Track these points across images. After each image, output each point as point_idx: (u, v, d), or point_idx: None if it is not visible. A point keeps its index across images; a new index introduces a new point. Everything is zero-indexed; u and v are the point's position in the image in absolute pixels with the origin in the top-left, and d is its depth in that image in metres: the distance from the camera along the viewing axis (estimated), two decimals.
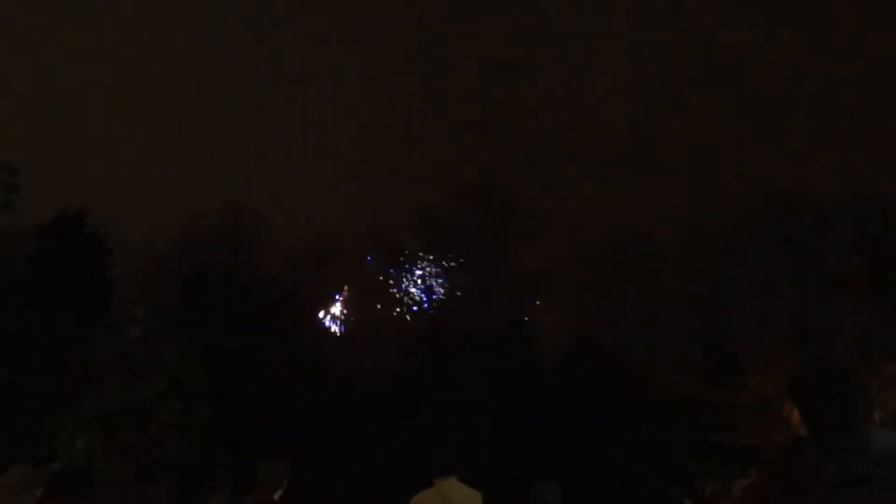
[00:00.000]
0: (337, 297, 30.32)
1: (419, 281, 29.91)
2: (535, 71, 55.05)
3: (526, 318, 28.00)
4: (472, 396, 22.76)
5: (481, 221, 29.15)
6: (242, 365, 19.76)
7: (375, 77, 56.23)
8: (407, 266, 30.04)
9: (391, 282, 30.68)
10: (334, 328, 29.77)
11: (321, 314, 29.53)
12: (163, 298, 21.40)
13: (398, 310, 30.09)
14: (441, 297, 29.62)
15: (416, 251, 29.88)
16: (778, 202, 25.66)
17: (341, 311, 30.43)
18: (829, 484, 1.62)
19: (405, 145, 51.49)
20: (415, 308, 30.14)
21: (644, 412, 21.31)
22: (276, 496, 4.10)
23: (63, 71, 52.33)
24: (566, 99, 49.90)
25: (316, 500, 14.20)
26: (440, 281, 29.65)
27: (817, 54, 52.30)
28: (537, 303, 29.23)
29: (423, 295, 29.77)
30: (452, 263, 29.05)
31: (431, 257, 29.65)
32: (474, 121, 49.85)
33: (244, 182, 44.55)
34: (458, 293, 29.04)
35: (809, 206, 25.43)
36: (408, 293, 30.03)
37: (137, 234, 22.50)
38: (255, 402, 19.53)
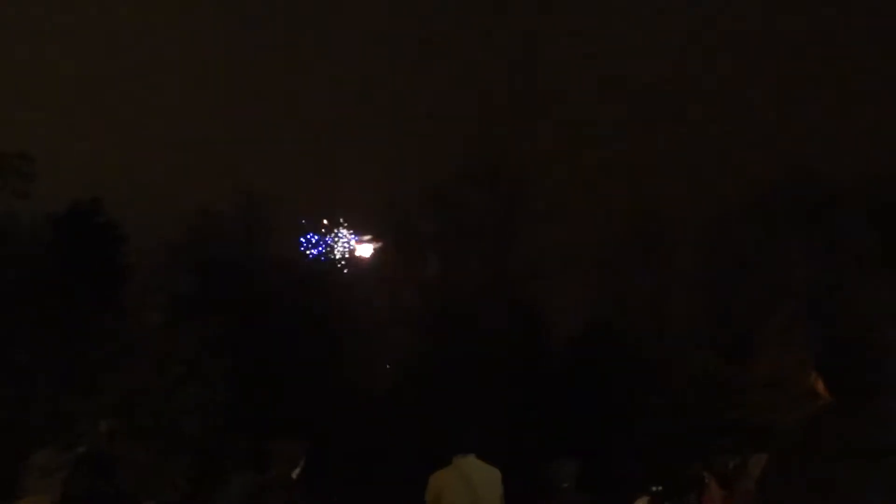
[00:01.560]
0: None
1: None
2: (550, 45, 54.45)
3: (538, 298, 27.97)
4: (487, 376, 22.88)
5: (492, 202, 29.05)
6: (258, 348, 19.93)
7: (387, 56, 55.90)
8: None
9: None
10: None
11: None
12: (178, 285, 21.55)
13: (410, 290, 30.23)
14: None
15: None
16: (791, 179, 25.40)
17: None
18: (854, 454, 1.61)
19: (417, 125, 51.32)
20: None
21: (657, 391, 21.34)
22: (294, 475, 4.15)
23: (75, 59, 52.45)
24: (579, 74, 49.44)
25: (334, 480, 14.38)
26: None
27: (833, 31, 51.40)
28: (549, 282, 29.17)
29: None
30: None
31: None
32: (486, 101, 49.53)
33: (255, 166, 44.62)
34: (470, 272, 29.04)
35: (824, 183, 25.15)
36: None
37: (150, 221, 22.62)
38: (272, 384, 19.73)
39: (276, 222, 28.49)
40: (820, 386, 1.79)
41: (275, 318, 22.06)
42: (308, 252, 30.75)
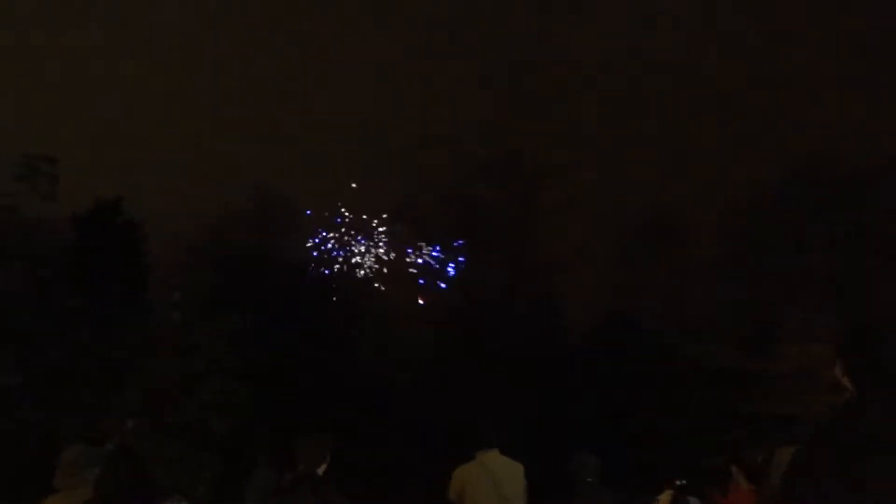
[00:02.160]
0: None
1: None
2: (563, 38, 54.05)
3: (557, 292, 27.89)
4: (508, 371, 22.88)
5: (508, 195, 29.01)
6: (279, 344, 20.10)
7: (399, 48, 55.83)
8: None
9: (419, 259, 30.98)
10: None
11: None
12: (197, 283, 21.76)
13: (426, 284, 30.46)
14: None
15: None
16: (811, 168, 25.04)
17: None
18: (880, 447, 1.59)
19: (431, 123, 51.26)
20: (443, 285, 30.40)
21: (679, 384, 21.21)
22: (321, 470, 4.18)
23: (93, 61, 53.07)
24: (596, 68, 49.05)
25: (359, 476, 14.46)
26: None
27: (851, 20, 50.48)
28: (567, 276, 29.08)
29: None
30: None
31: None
32: (499, 96, 49.31)
33: (272, 165, 44.91)
34: (487, 267, 29.05)
35: (844, 172, 24.77)
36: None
37: (168, 219, 22.83)
38: (293, 380, 19.89)
39: (293, 220, 28.73)
40: (845, 378, 1.77)
41: (294, 314, 22.22)
42: (325, 253, 31.04)
